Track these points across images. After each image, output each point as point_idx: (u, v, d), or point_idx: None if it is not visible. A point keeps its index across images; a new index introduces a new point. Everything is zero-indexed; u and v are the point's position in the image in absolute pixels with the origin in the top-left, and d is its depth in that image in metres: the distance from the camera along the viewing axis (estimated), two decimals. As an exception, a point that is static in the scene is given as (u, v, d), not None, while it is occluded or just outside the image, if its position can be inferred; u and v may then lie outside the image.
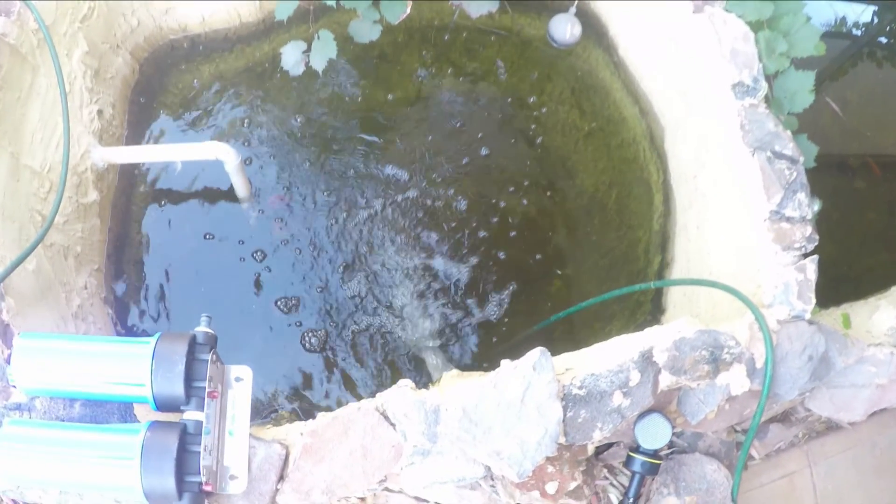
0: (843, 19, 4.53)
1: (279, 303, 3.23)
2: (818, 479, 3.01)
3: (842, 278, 3.55)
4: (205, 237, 3.32)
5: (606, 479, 2.60)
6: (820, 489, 3.01)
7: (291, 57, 3.20)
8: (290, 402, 3.06)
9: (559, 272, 3.44)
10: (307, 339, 3.18)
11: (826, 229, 2.65)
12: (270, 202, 3.38)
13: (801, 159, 2.68)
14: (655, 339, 2.29)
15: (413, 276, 3.32)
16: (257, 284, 3.26)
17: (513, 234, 3.46)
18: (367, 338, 3.21)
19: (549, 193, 3.58)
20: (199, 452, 1.89)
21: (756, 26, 2.96)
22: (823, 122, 3.99)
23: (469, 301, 3.31)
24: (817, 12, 4.35)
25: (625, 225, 3.52)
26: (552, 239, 3.49)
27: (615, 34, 3.72)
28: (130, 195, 3.39)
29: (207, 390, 1.94)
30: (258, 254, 3.30)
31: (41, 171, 2.79)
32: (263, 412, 2.99)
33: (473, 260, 3.38)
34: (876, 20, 4.58)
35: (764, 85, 2.85)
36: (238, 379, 2.09)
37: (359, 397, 3.07)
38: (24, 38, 2.70)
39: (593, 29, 3.78)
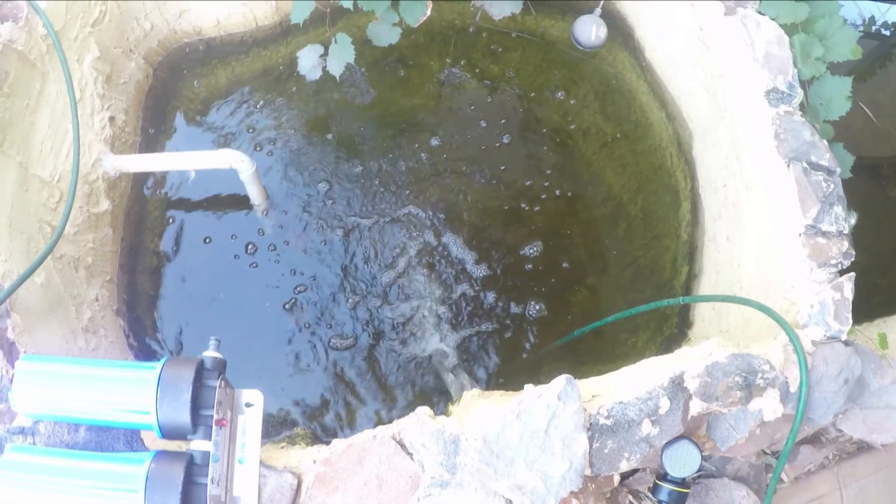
0: (872, 19, 4.44)
1: (296, 315, 3.16)
2: (849, 502, 2.93)
3: (874, 288, 3.46)
4: (220, 247, 3.24)
5: None
6: (851, 512, 2.93)
7: (308, 61, 3.12)
8: (306, 419, 2.99)
9: (585, 282, 3.35)
10: (325, 352, 3.11)
11: (857, 237, 2.56)
12: (296, 238, 3.31)
13: (839, 170, 2.59)
14: (686, 363, 2.20)
15: (436, 288, 3.25)
16: (273, 295, 3.18)
17: (537, 242, 3.37)
18: (386, 352, 3.13)
19: (573, 200, 3.49)
20: (206, 485, 1.81)
21: (791, 29, 2.87)
22: (855, 127, 3.89)
23: (493, 312, 3.23)
24: (844, 13, 4.26)
25: (651, 233, 3.43)
26: (577, 247, 3.41)
27: (642, 36, 3.63)
28: (144, 204, 3.32)
29: (215, 418, 1.85)
30: (275, 264, 3.22)
31: (51, 181, 2.72)
32: (279, 429, 2.92)
33: (497, 269, 3.30)
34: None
35: (799, 91, 2.76)
36: (248, 404, 2.01)
37: (378, 416, 3.00)
38: (33, 43, 2.63)
39: (619, 30, 3.70)
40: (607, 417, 2.08)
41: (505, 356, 3.18)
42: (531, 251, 3.36)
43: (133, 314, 3.10)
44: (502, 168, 3.52)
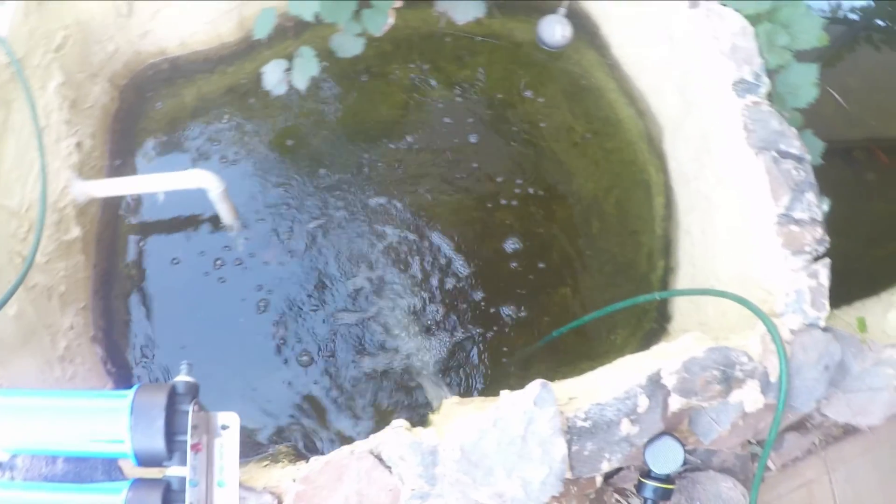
0: (839, 4, 4.45)
1: (273, 332, 3.14)
2: (837, 486, 2.94)
3: (851, 272, 3.45)
4: (194, 267, 3.22)
5: (619, 502, 2.51)
6: (839, 496, 2.94)
7: (273, 76, 3.10)
8: (288, 436, 2.97)
9: (562, 281, 3.34)
10: (303, 367, 3.09)
11: (832, 222, 2.56)
12: (269, 255, 3.29)
13: (808, 157, 2.59)
14: (663, 360, 2.20)
15: (410, 294, 3.23)
16: (250, 313, 3.16)
17: (511, 244, 3.36)
18: (364, 363, 3.11)
19: (546, 200, 3.48)
20: (185, 510, 1.80)
21: (755, 19, 2.88)
22: (825, 113, 3.89)
23: (470, 317, 3.22)
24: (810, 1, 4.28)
25: (626, 230, 3.42)
26: (552, 247, 3.40)
27: (607, 33, 3.63)
28: (115, 228, 3.29)
29: (190, 443, 1.83)
30: (249, 283, 3.20)
31: (19, 211, 2.70)
32: (261, 448, 2.90)
33: (473, 273, 3.28)
34: (873, 3, 4.50)
35: (766, 81, 2.76)
36: (224, 426, 1.99)
37: (359, 429, 2.99)
38: (-6, 73, 2.62)
39: (584, 29, 3.70)
40: (585, 419, 2.08)
41: (484, 361, 3.16)
42: (506, 254, 3.34)
43: (109, 340, 3.08)
44: (474, 172, 3.51)
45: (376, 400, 3.06)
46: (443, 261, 3.31)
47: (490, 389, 3.05)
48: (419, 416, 2.99)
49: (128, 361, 3.06)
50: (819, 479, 2.92)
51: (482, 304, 3.25)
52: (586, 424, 2.07)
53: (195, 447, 1.85)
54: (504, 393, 2.10)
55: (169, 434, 1.81)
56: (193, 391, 1.90)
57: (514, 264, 3.33)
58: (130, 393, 1.84)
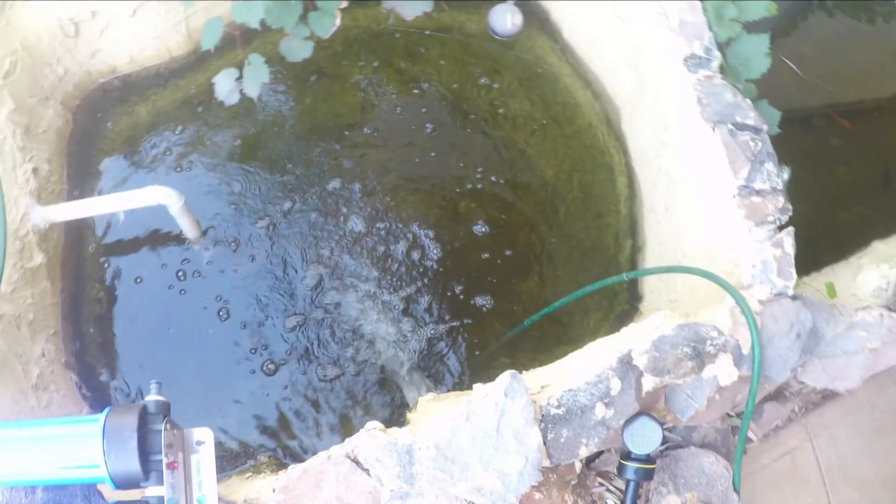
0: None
1: (244, 341, 3.12)
2: (821, 452, 2.95)
3: (818, 238, 3.48)
4: (161, 284, 3.20)
5: (602, 485, 2.50)
6: (823, 461, 2.95)
7: (224, 86, 3.08)
8: (269, 445, 2.96)
9: (531, 269, 3.34)
10: (277, 376, 3.07)
11: (795, 190, 2.57)
12: (236, 265, 3.27)
13: (765, 127, 2.60)
14: (633, 341, 2.21)
15: (378, 292, 3.22)
16: (218, 324, 3.15)
17: (478, 236, 3.35)
18: (339, 365, 3.10)
19: (509, 190, 3.48)
20: (164, 530, 1.79)
21: (702, -6, 2.88)
22: (782, 82, 3.91)
23: (441, 311, 3.21)
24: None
25: (591, 213, 3.43)
26: (520, 235, 3.40)
27: (558, 18, 3.64)
28: (80, 252, 3.26)
29: (165, 462, 1.82)
30: (217, 294, 3.19)
31: (-21, 242, 2.67)
32: (243, 459, 2.89)
33: (440, 268, 3.28)
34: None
35: (717, 55, 2.78)
36: (200, 442, 1.98)
37: (339, 431, 2.98)
38: (-56, 104, 2.59)
39: (535, 16, 3.70)
40: (558, 407, 2.08)
41: (458, 355, 3.16)
42: (472, 244, 3.34)
43: (83, 364, 3.06)
44: (435, 166, 3.51)
45: (351, 402, 3.05)
46: (408, 256, 3.30)
47: (466, 383, 3.05)
48: (397, 415, 2.99)
49: (103, 384, 3.04)
50: (802, 447, 2.94)
51: (451, 297, 3.25)
52: (560, 411, 2.07)
53: (171, 465, 1.84)
54: (476, 386, 2.10)
55: (143, 454, 1.80)
56: (165, 410, 1.89)
57: (482, 255, 3.33)
58: (102, 416, 1.83)
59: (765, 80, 2.91)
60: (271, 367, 3.08)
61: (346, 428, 3.00)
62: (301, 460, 2.16)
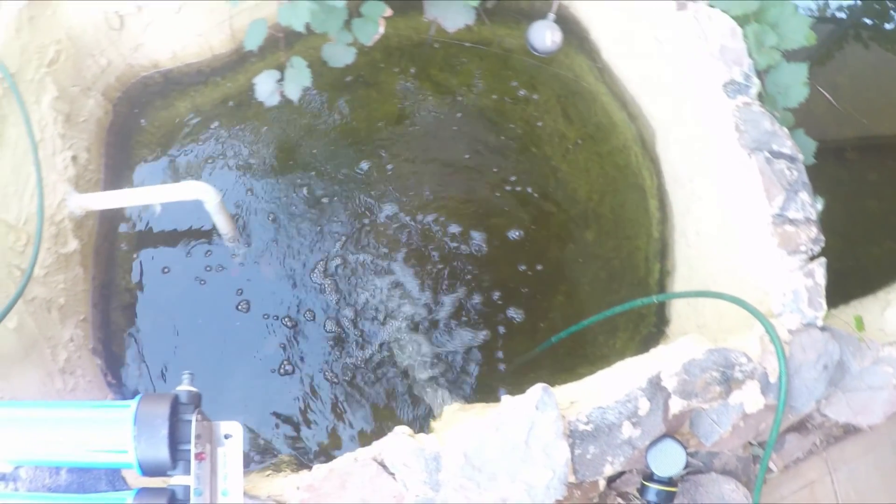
0: (826, 3, 4.47)
1: (273, 340, 3.14)
2: (840, 486, 2.94)
3: (848, 272, 3.47)
4: (192, 279, 3.23)
5: (622, 505, 2.51)
6: (842, 495, 2.94)
7: (265, 87, 3.11)
8: (290, 445, 2.97)
9: (559, 288, 3.34)
10: (304, 375, 3.09)
11: (826, 221, 2.57)
12: (267, 265, 3.29)
13: (801, 157, 2.60)
14: (663, 362, 2.20)
15: (408, 303, 3.23)
16: (248, 322, 3.16)
17: (507, 248, 3.37)
18: (363, 373, 3.11)
19: (541, 206, 3.49)
20: (190, 520, 1.80)
21: (743, 20, 2.89)
22: (817, 112, 3.90)
23: (468, 325, 3.22)
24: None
25: (622, 234, 3.43)
26: (549, 252, 3.41)
27: (597, 37, 3.64)
28: (113, 241, 3.29)
29: (194, 452, 1.84)
30: (247, 292, 3.20)
31: (16, 225, 2.70)
32: (264, 457, 2.90)
33: (469, 282, 3.29)
34: (859, 2, 4.52)
35: (756, 81, 2.78)
36: (228, 436, 1.99)
37: (361, 436, 2.99)
38: (-12, 88, 2.62)
39: (574, 34, 3.70)
40: (587, 423, 2.08)
41: (484, 367, 3.16)
42: (501, 259, 3.35)
43: (109, 352, 3.08)
44: (467, 179, 3.52)
45: (375, 408, 3.06)
46: (435, 266, 3.31)
47: (490, 396, 3.05)
48: (420, 423, 2.99)
49: (128, 372, 3.06)
50: (821, 480, 2.93)
51: (477, 309, 3.25)
52: (588, 428, 2.08)
53: (199, 456, 1.85)
54: (505, 398, 2.10)
55: (172, 443, 1.81)
56: (196, 400, 1.91)
57: (509, 270, 3.34)
58: (133, 403, 1.84)
59: (799, 110, 2.92)
60: (295, 367, 3.10)
61: (367, 433, 3.01)
62: (320, 462, 2.16)
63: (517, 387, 2.19)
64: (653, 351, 2.42)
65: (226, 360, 3.10)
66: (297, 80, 3.05)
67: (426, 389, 3.07)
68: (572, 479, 2.05)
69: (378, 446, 2.08)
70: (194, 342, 3.13)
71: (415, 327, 3.19)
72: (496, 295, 3.28)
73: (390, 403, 3.07)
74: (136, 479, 2.11)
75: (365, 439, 2.98)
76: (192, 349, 3.12)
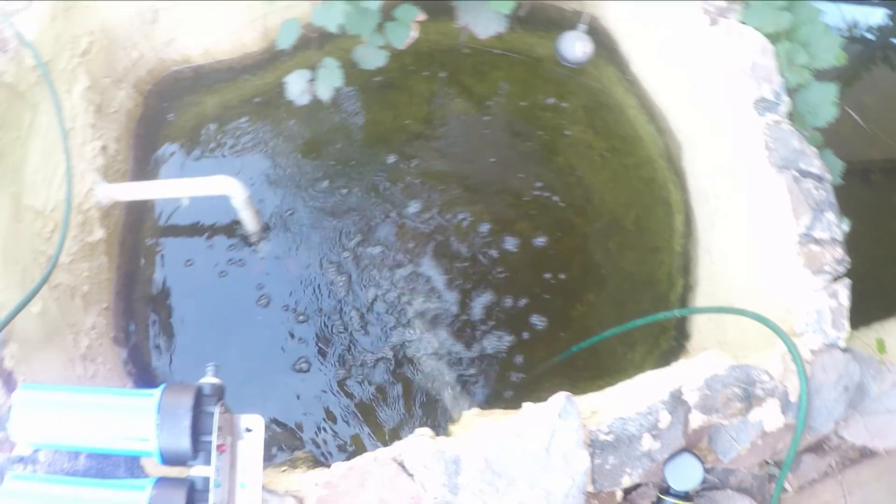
0: (855, 23, 4.46)
1: (292, 340, 3.15)
2: (854, 509, 2.92)
3: (870, 293, 3.45)
4: (214, 273, 3.24)
5: (636, 518, 2.50)
6: (856, 519, 2.92)
7: (296, 86, 3.12)
8: (307, 442, 2.98)
9: (580, 297, 3.34)
10: (323, 373, 3.09)
11: (850, 243, 2.57)
12: (291, 263, 3.30)
13: (829, 177, 2.60)
14: (685, 376, 2.20)
15: (429, 306, 3.24)
16: (269, 319, 3.17)
17: (529, 257, 3.37)
18: (383, 374, 3.12)
19: (566, 216, 3.49)
20: (208, 511, 1.81)
21: (774, 38, 2.89)
22: (844, 132, 3.89)
23: (488, 331, 3.22)
24: (827, 18, 4.30)
25: (645, 247, 3.42)
26: (571, 262, 3.41)
27: (627, 50, 3.64)
28: (138, 232, 3.31)
29: (216, 444, 1.84)
30: (270, 288, 3.22)
31: (44, 211, 2.72)
32: (280, 453, 2.90)
33: (491, 288, 3.29)
34: (890, 22, 4.51)
35: (786, 99, 2.78)
36: (248, 429, 2.00)
37: (378, 436, 2.99)
38: (22, 75, 2.64)
39: (604, 45, 3.71)
40: (608, 433, 2.08)
41: (503, 374, 3.16)
42: (523, 267, 3.35)
43: (130, 341, 3.09)
44: (492, 185, 3.53)
45: (395, 408, 3.06)
46: (456, 271, 3.32)
47: (508, 402, 3.05)
48: (438, 426, 3.00)
49: (148, 363, 3.07)
50: (835, 502, 2.91)
51: (498, 316, 3.25)
52: (609, 438, 2.08)
53: (220, 448, 1.86)
54: (527, 405, 2.10)
55: (195, 434, 1.82)
56: (219, 393, 1.92)
57: (531, 278, 3.34)
58: (157, 392, 1.86)
59: (827, 129, 2.92)
60: (313, 364, 3.11)
61: (384, 433, 3.01)
62: (335, 460, 2.17)
63: (535, 394, 2.20)
64: (675, 365, 2.41)
65: (245, 355, 3.11)
66: (329, 80, 3.07)
67: (445, 393, 3.08)
68: (590, 488, 2.05)
69: (399, 447, 2.08)
70: (215, 335, 3.15)
71: (434, 329, 3.20)
72: (517, 301, 3.29)
73: (408, 405, 3.08)
74: (154, 468, 2.12)
75: (381, 439, 2.99)
76: (212, 342, 3.13)
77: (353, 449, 2.96)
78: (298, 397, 3.05)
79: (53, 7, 2.88)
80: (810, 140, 2.73)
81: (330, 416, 3.02)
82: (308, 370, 3.10)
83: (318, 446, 2.97)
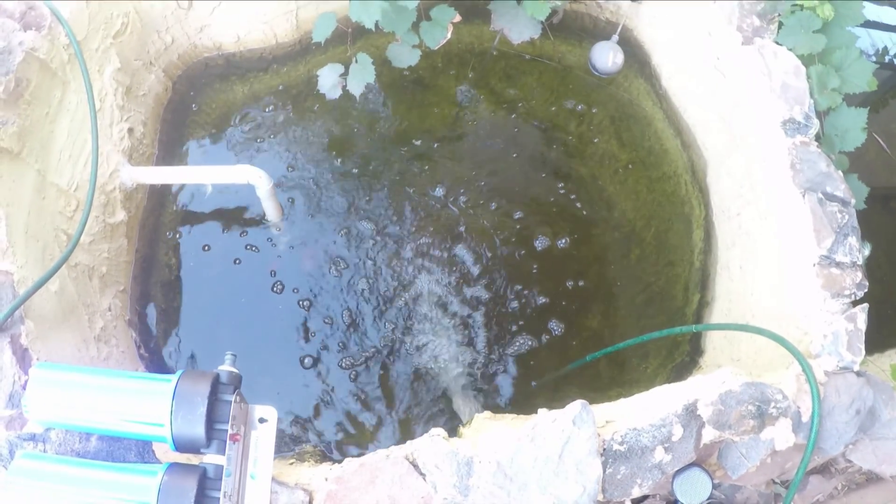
0: (885, 49, 4.45)
1: (308, 333, 3.15)
2: (858, 533, 2.92)
3: (886, 320, 3.46)
4: (233, 262, 3.25)
5: (641, 530, 2.50)
6: (860, 543, 2.92)
7: (328, 80, 3.13)
8: (315, 436, 2.98)
9: (595, 307, 3.34)
10: (337, 370, 3.10)
11: (869, 268, 2.56)
12: (305, 259, 3.31)
13: (853, 201, 2.59)
14: (700, 391, 2.20)
15: (446, 310, 3.24)
16: (286, 311, 3.18)
17: (547, 264, 3.37)
18: (398, 373, 3.12)
19: (586, 225, 3.49)
20: (218, 499, 1.81)
21: (808, 60, 2.88)
22: (868, 158, 3.88)
23: (505, 335, 3.22)
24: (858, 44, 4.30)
25: (663, 260, 3.42)
26: (589, 272, 3.41)
27: (658, 63, 3.63)
28: (159, 216, 3.33)
29: (230, 433, 1.85)
30: (288, 280, 3.22)
31: (68, 190, 2.73)
32: (288, 445, 2.91)
33: (509, 293, 3.29)
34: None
35: (815, 122, 2.77)
36: (262, 420, 2.01)
37: (388, 436, 3.00)
38: (55, 53, 2.65)
39: (636, 58, 3.71)
40: (621, 443, 2.08)
41: (516, 379, 3.17)
42: (540, 273, 3.35)
43: (145, 325, 3.11)
44: (516, 191, 3.53)
45: (404, 411, 3.07)
46: (473, 273, 3.32)
47: (519, 408, 3.05)
48: (449, 428, 3.00)
49: (161, 347, 3.09)
50: (839, 525, 2.91)
51: (512, 321, 3.26)
52: (622, 448, 2.08)
53: (233, 437, 1.87)
54: (542, 411, 2.11)
55: (209, 422, 1.83)
56: (236, 382, 1.92)
57: (547, 284, 3.34)
58: (174, 378, 1.86)
59: (852, 154, 2.91)
60: (327, 359, 3.11)
61: (394, 434, 3.02)
62: (343, 455, 2.17)
63: (548, 401, 2.20)
64: (690, 379, 2.41)
65: (259, 345, 3.12)
66: (361, 75, 3.08)
67: (458, 396, 3.08)
68: (601, 497, 2.06)
69: (411, 445, 2.09)
70: (231, 323, 3.16)
71: (452, 335, 3.20)
72: (529, 308, 3.29)
73: (421, 407, 3.08)
74: (165, 454, 2.12)
75: (389, 437, 3.00)
76: (227, 330, 3.14)
77: (361, 445, 2.97)
78: (310, 390, 3.06)
79: (89, -13, 2.90)
80: (837, 163, 2.72)
81: (339, 411, 3.03)
82: (320, 364, 3.11)
83: (324, 440, 2.98)
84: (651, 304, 3.36)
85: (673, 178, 3.55)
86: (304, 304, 3.20)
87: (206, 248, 3.27)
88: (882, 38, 4.49)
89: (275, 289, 3.21)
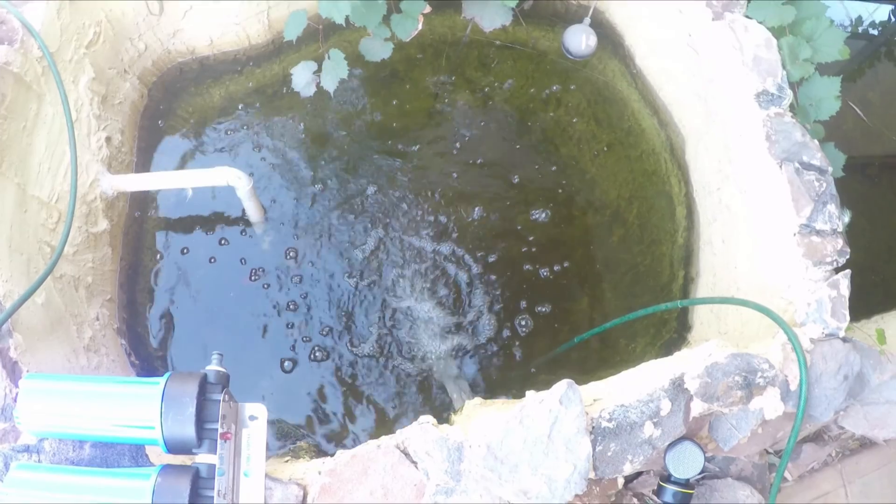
0: (859, 19, 4.46)
1: (295, 331, 3.16)
2: (853, 498, 2.94)
3: (870, 285, 3.48)
4: (217, 264, 3.25)
5: (637, 506, 2.52)
6: (856, 508, 2.94)
7: (302, 78, 3.14)
8: (309, 432, 2.99)
9: (582, 289, 3.36)
10: (324, 365, 3.11)
11: (851, 235, 2.57)
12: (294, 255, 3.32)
13: (830, 169, 2.60)
14: (686, 364, 2.21)
15: (431, 297, 3.25)
16: (272, 311, 3.19)
17: (533, 250, 3.38)
18: (385, 363, 3.13)
19: (569, 208, 3.50)
20: (212, 498, 1.82)
21: (778, 32, 2.90)
22: (846, 127, 3.90)
23: (491, 322, 3.23)
24: (831, 14, 4.29)
25: (647, 239, 3.44)
26: (574, 255, 3.42)
27: (631, 44, 3.64)
28: (142, 223, 3.33)
29: (220, 432, 1.86)
30: (272, 280, 3.23)
31: (49, 202, 2.73)
32: (283, 443, 2.92)
33: (494, 280, 3.30)
34: (893, 19, 4.51)
35: (789, 93, 2.78)
36: (252, 417, 2.01)
37: (381, 425, 3.01)
38: (29, 66, 2.65)
39: (609, 39, 3.71)
40: (609, 420, 2.10)
41: (505, 365, 3.18)
42: (528, 260, 3.37)
43: (134, 332, 3.11)
44: (497, 179, 3.54)
45: (396, 400, 3.08)
46: (459, 265, 3.33)
47: (509, 392, 3.07)
48: (438, 415, 3.01)
49: (151, 354, 3.09)
50: (835, 492, 2.93)
51: (499, 308, 3.27)
52: (610, 425, 2.09)
53: (224, 436, 1.88)
54: (530, 393, 2.12)
55: (199, 422, 1.83)
56: (224, 381, 1.93)
57: (532, 270, 3.36)
58: (162, 380, 1.87)
59: (829, 123, 2.92)
60: (318, 358, 3.12)
61: (387, 424, 3.03)
62: (338, 449, 2.18)
63: (538, 385, 2.21)
64: (676, 354, 2.43)
65: (247, 345, 3.13)
66: (335, 72, 3.08)
67: (448, 383, 3.09)
68: (592, 475, 2.07)
69: (402, 434, 2.10)
70: (218, 326, 3.16)
71: (439, 322, 3.21)
72: (516, 293, 3.30)
73: (412, 395, 3.09)
74: (159, 457, 2.13)
75: (382, 428, 3.01)
76: (215, 333, 3.15)
77: (354, 437, 2.98)
78: (300, 387, 3.08)
79: (60, -1, 2.90)
80: (812, 133, 2.73)
81: (332, 408, 3.05)
82: (311, 361, 3.12)
83: (319, 436, 2.99)
84: (637, 283, 3.37)
85: (652, 157, 3.56)
86: (292, 305, 3.21)
87: (191, 251, 3.27)
88: (856, 8, 4.50)
89: (260, 290, 3.22)
